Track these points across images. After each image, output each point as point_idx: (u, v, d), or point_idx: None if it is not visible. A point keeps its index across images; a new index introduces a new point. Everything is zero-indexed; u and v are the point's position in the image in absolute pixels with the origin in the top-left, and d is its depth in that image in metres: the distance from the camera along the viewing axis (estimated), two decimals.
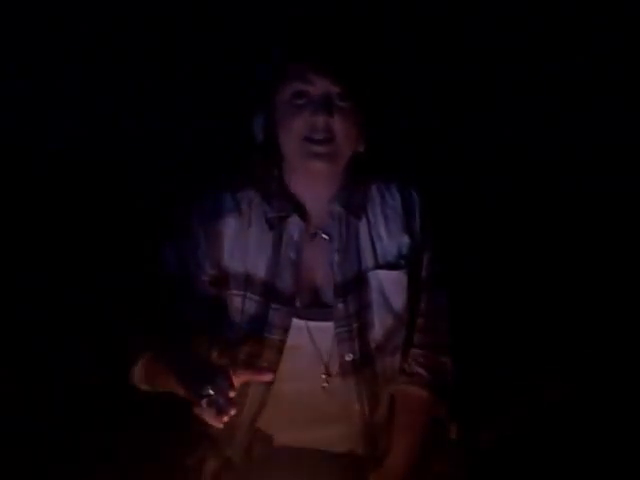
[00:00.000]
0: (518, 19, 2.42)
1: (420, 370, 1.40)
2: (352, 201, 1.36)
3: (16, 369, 2.12)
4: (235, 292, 1.32)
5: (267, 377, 1.28)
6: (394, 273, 1.36)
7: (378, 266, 1.36)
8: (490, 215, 2.48)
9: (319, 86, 1.24)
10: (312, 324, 1.32)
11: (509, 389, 2.17)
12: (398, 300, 1.36)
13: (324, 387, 1.33)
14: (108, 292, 2.24)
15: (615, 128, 2.53)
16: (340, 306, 1.32)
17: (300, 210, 1.34)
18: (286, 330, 1.31)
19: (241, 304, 1.32)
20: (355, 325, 1.33)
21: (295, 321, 1.32)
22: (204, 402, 1.10)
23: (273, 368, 1.31)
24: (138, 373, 1.30)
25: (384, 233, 1.38)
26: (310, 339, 1.32)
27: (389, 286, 1.36)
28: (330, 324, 1.32)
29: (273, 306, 1.31)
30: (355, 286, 1.34)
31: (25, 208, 2.30)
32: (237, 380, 1.18)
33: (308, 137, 1.25)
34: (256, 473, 1.33)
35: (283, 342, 1.31)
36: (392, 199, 1.40)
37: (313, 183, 1.33)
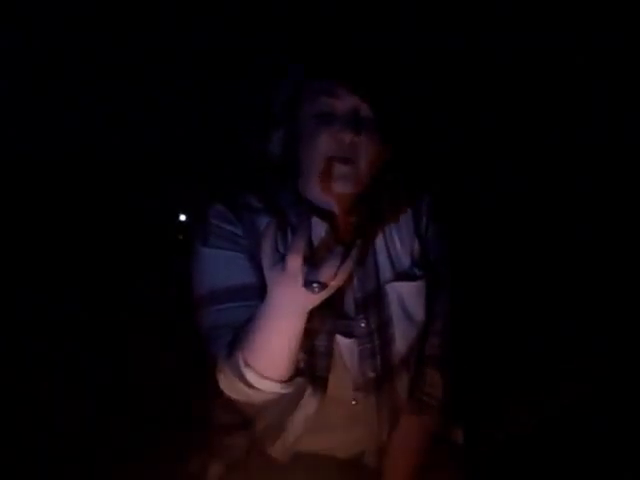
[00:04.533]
0: (523, 20, 2.41)
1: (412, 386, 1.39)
2: (368, 212, 1.34)
3: (16, 369, 2.11)
4: None
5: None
6: (413, 284, 1.35)
7: (396, 277, 1.34)
8: (493, 222, 2.48)
9: (347, 102, 1.22)
10: (340, 338, 1.29)
11: (512, 392, 2.17)
12: (419, 310, 1.35)
13: (354, 402, 1.32)
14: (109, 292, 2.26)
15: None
16: (362, 323, 1.31)
17: (319, 213, 1.30)
18: (331, 334, 1.28)
19: None
20: (377, 342, 1.31)
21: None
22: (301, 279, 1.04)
23: (326, 375, 1.28)
24: (247, 373, 1.17)
25: (397, 241, 1.37)
26: (340, 353, 1.30)
27: (409, 298, 1.34)
28: (353, 340, 1.30)
29: (315, 313, 1.21)
30: (375, 300, 1.32)
31: (28, 212, 2.29)
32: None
33: (333, 156, 1.22)
34: (262, 476, 1.33)
35: (331, 347, 1.28)
36: (403, 204, 1.40)
37: (332, 201, 1.29)
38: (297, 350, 1.17)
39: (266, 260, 1.08)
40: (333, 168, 1.23)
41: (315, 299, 1.09)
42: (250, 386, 1.17)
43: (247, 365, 1.15)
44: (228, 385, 1.21)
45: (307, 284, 1.06)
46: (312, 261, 1.06)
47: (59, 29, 2.18)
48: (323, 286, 1.06)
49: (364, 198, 1.33)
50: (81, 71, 2.25)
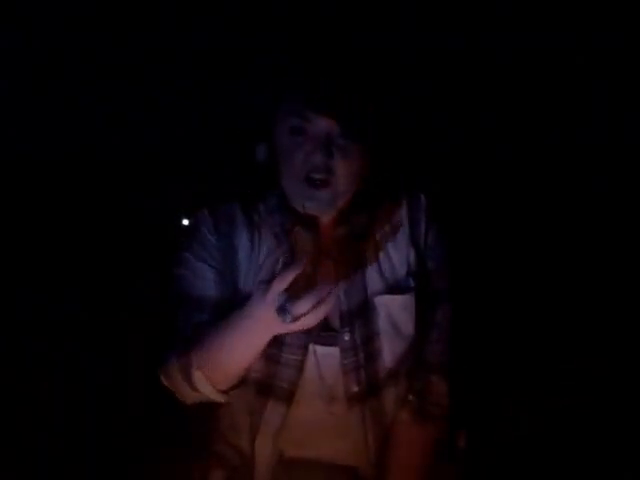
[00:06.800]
0: (523, 20, 2.41)
1: (409, 396, 1.38)
2: (357, 223, 1.32)
3: (16, 369, 2.11)
4: None
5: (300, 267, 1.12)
6: (402, 297, 1.32)
7: (385, 291, 1.31)
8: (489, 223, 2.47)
9: (318, 125, 1.20)
10: (319, 348, 1.28)
11: (512, 392, 2.17)
12: (408, 324, 1.32)
13: (331, 414, 1.31)
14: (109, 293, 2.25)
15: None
16: (347, 337, 1.29)
17: (305, 223, 1.28)
18: (305, 349, 1.27)
19: None
20: (362, 355, 1.29)
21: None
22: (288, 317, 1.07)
23: (293, 389, 1.28)
24: (196, 376, 1.22)
25: (393, 251, 1.34)
26: (316, 363, 1.28)
27: (398, 312, 1.31)
28: (336, 349, 1.29)
29: None
30: (362, 313, 1.30)
31: (28, 212, 2.29)
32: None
33: (308, 177, 1.21)
34: None
35: (302, 362, 1.27)
36: (398, 211, 1.37)
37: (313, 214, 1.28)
38: (248, 368, 1.23)
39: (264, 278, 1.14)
40: (307, 191, 1.21)
41: (284, 328, 1.11)
42: (192, 387, 1.23)
43: (198, 368, 1.20)
44: (168, 380, 1.27)
45: (280, 310, 1.08)
46: (295, 292, 1.08)
47: (59, 29, 2.18)
48: (294, 319, 1.07)
49: (350, 209, 1.30)
50: (81, 71, 2.24)
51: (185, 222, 1.36)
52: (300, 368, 1.27)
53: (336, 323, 1.30)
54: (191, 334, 1.25)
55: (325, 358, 1.29)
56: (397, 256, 1.35)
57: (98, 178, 2.33)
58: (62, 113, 2.27)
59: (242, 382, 1.26)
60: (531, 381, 2.20)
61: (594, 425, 2.02)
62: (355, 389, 1.30)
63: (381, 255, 1.33)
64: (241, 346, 1.18)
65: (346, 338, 1.29)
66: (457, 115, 2.48)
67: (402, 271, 1.34)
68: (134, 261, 2.28)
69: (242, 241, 1.30)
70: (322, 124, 1.20)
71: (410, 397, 1.37)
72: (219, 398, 1.24)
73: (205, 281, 1.29)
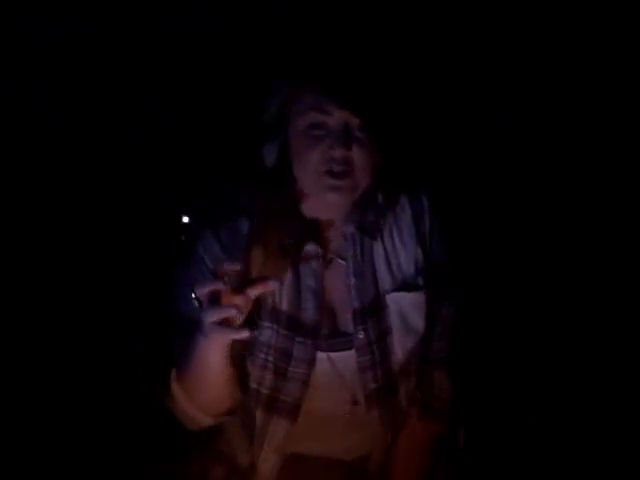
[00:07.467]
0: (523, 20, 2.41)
1: (416, 392, 1.39)
2: (366, 220, 1.34)
3: (16, 369, 2.11)
4: (267, 324, 1.28)
5: (271, 285, 1.10)
6: (412, 295, 1.33)
7: (396, 288, 1.33)
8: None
9: (338, 117, 1.21)
10: (334, 355, 1.29)
11: (512, 392, 2.17)
12: (418, 321, 1.34)
13: (349, 415, 1.31)
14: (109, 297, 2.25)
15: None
16: (361, 335, 1.30)
17: (315, 234, 1.31)
18: (311, 363, 1.28)
19: (270, 337, 1.27)
20: (377, 352, 1.30)
21: (317, 353, 1.28)
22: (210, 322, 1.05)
23: (298, 403, 1.28)
24: (175, 390, 1.24)
25: (400, 249, 1.35)
26: (333, 369, 1.29)
27: (408, 308, 1.33)
28: (351, 352, 1.30)
29: (297, 339, 1.27)
30: (374, 311, 1.31)
31: (28, 212, 2.28)
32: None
33: (326, 170, 1.21)
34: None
35: (309, 375, 1.28)
36: (403, 211, 1.38)
37: (328, 210, 1.30)
38: (219, 389, 1.21)
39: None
40: (326, 182, 1.22)
41: (209, 333, 1.08)
42: (173, 402, 1.24)
43: (174, 380, 1.24)
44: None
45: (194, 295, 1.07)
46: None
47: (58, 28, 2.18)
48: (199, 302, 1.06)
49: (359, 206, 1.32)
50: (81, 69, 2.24)
51: (185, 219, 1.36)
52: (306, 382, 1.28)
53: (348, 325, 1.31)
54: (174, 352, 1.26)
55: (340, 361, 1.29)
56: (404, 254, 1.36)
57: (98, 178, 2.33)
58: (62, 110, 2.27)
59: (229, 412, 1.27)
60: (531, 381, 2.20)
61: (594, 425, 2.02)
62: (373, 386, 1.31)
63: (389, 253, 1.34)
64: (196, 364, 1.17)
65: (360, 337, 1.30)
66: (463, 113, 2.47)
67: (410, 269, 1.36)
68: (134, 260, 2.28)
69: (250, 253, 1.29)
70: (343, 117, 1.21)
71: (416, 393, 1.38)
72: (205, 421, 1.26)
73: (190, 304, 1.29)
